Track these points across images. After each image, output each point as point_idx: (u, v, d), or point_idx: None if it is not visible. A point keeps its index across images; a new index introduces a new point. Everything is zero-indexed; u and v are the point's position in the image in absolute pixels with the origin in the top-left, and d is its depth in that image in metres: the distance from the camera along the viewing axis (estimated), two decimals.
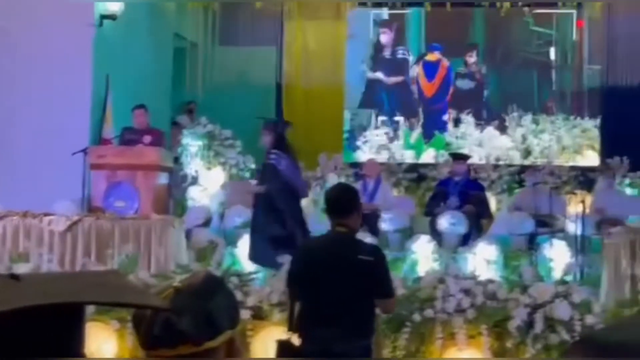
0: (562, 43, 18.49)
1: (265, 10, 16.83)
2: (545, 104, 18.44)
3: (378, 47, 18.78)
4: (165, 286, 2.30)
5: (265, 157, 11.44)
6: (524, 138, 17.98)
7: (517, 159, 17.57)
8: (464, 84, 18.60)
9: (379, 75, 18.74)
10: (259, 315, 8.89)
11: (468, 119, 18.23)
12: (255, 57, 18.08)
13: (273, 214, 11.07)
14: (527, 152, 17.77)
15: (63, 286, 1.64)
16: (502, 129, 18.18)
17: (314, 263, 5.75)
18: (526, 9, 17.91)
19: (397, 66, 18.80)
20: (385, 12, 18.75)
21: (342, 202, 5.81)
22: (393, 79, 18.73)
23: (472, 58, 18.57)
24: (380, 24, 18.82)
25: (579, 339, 1.33)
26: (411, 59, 18.79)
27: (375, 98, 18.77)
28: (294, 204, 11.27)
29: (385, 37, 18.74)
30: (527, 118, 18.13)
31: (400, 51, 18.74)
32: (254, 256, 11.18)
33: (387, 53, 18.77)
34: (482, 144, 17.93)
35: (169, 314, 2.18)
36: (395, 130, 18.45)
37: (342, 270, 5.57)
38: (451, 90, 18.56)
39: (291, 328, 5.70)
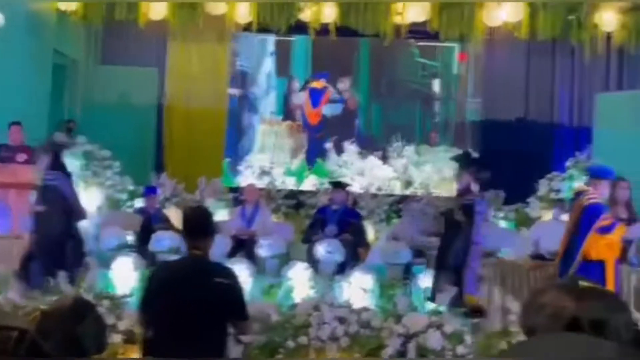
0: (446, 75, 18.75)
1: (149, 31, 16.64)
2: (428, 135, 18.66)
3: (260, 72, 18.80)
4: (34, 308, 2.23)
5: (43, 178, 11.12)
6: (406, 168, 18.15)
7: (398, 189, 17.74)
8: (334, 108, 18.74)
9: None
10: (130, 339, 8.74)
11: (351, 148, 18.33)
12: (138, 77, 17.87)
13: (51, 234, 10.85)
14: (408, 183, 17.94)
15: None
16: (385, 158, 18.34)
17: (169, 286, 5.62)
18: (412, 40, 18.10)
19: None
20: (271, 38, 18.72)
21: (199, 224, 5.73)
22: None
23: (343, 84, 18.70)
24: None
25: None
26: (297, 85, 18.87)
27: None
28: (71, 224, 11.10)
29: (270, 63, 18.79)
30: (410, 149, 18.32)
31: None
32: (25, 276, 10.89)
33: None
34: (364, 173, 18.04)
35: (35, 335, 2.12)
36: (278, 156, 18.46)
37: (198, 293, 5.49)
38: (328, 117, 18.68)
39: (145, 353, 5.62)
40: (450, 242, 11.08)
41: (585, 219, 9.28)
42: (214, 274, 5.57)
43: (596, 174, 9.75)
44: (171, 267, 6.00)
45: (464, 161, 11.34)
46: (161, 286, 5.70)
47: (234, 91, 18.68)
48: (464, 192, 11.15)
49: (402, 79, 18.91)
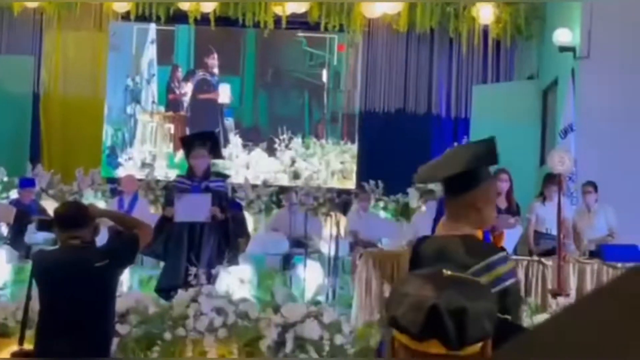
0: (334, 66, 18.68)
1: (24, 18, 16.28)
2: (316, 126, 18.57)
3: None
4: None
5: None
6: (293, 161, 18.07)
7: (285, 182, 17.58)
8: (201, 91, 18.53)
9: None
10: (4, 332, 8.55)
11: (235, 140, 18.16)
12: (12, 66, 17.40)
13: None
14: (295, 175, 17.80)
15: None
16: (271, 151, 18.18)
17: (47, 274, 5.80)
18: (297, 31, 18.04)
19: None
20: (151, 27, 18.41)
21: (73, 217, 5.82)
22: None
23: (211, 65, 18.51)
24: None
25: None
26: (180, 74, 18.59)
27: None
28: None
29: (151, 52, 18.47)
30: (297, 141, 18.19)
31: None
32: None
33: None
34: (249, 166, 17.88)
35: None
36: (160, 148, 18.20)
37: (78, 279, 5.62)
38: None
39: (37, 342, 5.73)
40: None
41: None
42: (94, 259, 5.68)
43: None
44: (50, 255, 6.09)
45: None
46: (40, 273, 5.88)
47: (114, 81, 18.33)
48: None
49: (289, 69, 18.73)
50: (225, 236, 10.69)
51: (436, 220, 9.52)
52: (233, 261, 10.75)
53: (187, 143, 10.98)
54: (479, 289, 2.27)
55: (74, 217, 5.82)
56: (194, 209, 10.36)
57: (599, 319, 0.84)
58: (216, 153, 10.96)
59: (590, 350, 0.84)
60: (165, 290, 10.14)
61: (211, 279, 10.06)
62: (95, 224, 5.91)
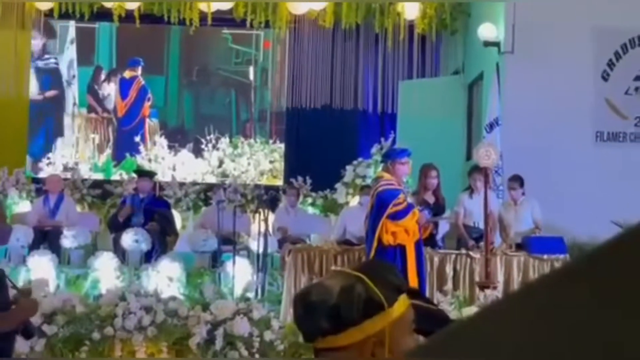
0: (260, 63, 18.55)
1: None
2: (244, 125, 18.40)
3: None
4: None
5: None
6: (221, 162, 17.83)
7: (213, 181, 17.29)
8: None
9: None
10: None
11: (161, 141, 17.87)
12: None
13: None
14: (223, 176, 17.47)
15: None
16: (198, 152, 17.89)
17: None
18: (222, 28, 17.92)
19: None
20: (72, 25, 18.09)
21: None
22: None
23: (134, 72, 18.09)
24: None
25: None
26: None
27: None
28: None
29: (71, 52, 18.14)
30: (225, 141, 17.92)
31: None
32: None
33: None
34: (175, 168, 17.61)
35: None
36: (83, 151, 17.90)
37: None
38: (144, 108, 18.12)
39: None
40: None
41: (376, 205, 9.49)
42: None
43: (389, 156, 9.98)
44: None
45: None
46: None
47: (37, 81, 18.02)
48: None
49: (214, 67, 18.54)
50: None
51: (371, 217, 9.61)
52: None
53: None
54: (351, 283, 2.24)
55: None
56: None
57: (521, 319, 0.83)
58: None
59: (510, 351, 0.83)
60: None
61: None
62: None
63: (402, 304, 2.21)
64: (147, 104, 18.03)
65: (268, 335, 8.45)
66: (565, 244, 10.96)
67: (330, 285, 2.19)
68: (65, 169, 17.35)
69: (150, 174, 14.21)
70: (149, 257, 12.25)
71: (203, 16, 16.51)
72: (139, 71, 18.03)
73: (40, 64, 18.11)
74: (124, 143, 17.83)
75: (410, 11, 16.46)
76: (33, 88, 17.95)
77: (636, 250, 0.72)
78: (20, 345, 6.45)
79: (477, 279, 10.33)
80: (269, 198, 14.83)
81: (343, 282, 2.19)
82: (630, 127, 13.40)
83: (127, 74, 18.12)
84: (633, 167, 13.00)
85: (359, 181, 14.99)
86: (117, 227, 13.10)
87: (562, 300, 0.77)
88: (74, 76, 18.16)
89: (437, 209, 11.01)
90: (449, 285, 10.13)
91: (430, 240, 10.85)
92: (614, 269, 0.74)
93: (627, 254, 0.73)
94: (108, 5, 16.39)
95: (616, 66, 13.40)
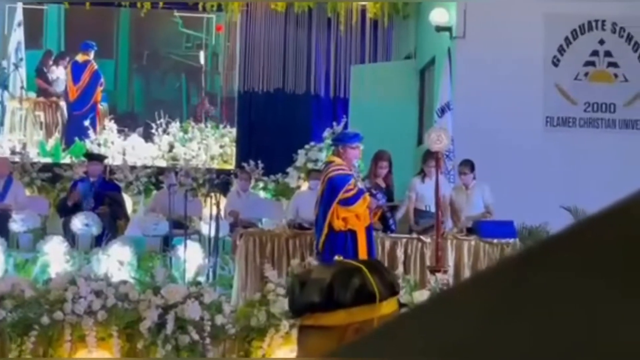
0: (211, 47, 18.42)
1: None
2: (194, 110, 18.25)
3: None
4: None
5: None
6: (171, 146, 17.59)
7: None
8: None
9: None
10: None
11: (110, 125, 17.61)
12: None
13: None
14: (174, 161, 17.26)
15: None
16: (148, 136, 17.67)
17: None
18: (174, 11, 17.75)
19: None
20: (19, 6, 17.70)
21: None
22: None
23: (87, 56, 17.62)
24: None
25: None
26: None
27: None
28: None
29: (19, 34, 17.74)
30: (175, 125, 17.72)
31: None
32: None
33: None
34: (125, 152, 17.39)
35: None
36: (31, 135, 17.64)
37: None
38: (96, 93, 17.76)
39: None
40: None
41: (327, 191, 9.51)
42: None
43: (340, 140, 10.02)
44: None
45: None
46: None
47: None
48: None
49: (165, 51, 18.40)
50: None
51: (321, 203, 9.63)
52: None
53: None
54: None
55: None
56: None
57: (469, 312, 0.80)
58: None
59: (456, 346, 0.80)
60: None
61: None
62: None
63: (392, 304, 2.31)
64: (100, 88, 17.67)
65: (219, 319, 8.42)
66: (515, 228, 11.05)
67: (329, 267, 2.34)
68: (13, 152, 17.05)
69: (100, 158, 14.10)
70: (99, 241, 12.17)
71: None
72: (92, 55, 17.65)
73: None
74: (74, 127, 17.54)
75: None
76: None
77: (593, 239, 0.71)
78: None
79: (428, 263, 10.38)
80: (220, 182, 14.80)
81: (342, 268, 2.33)
82: (579, 113, 13.52)
83: (80, 57, 17.67)
84: (582, 153, 13.12)
85: (310, 165, 15.00)
86: (66, 210, 13.00)
87: (517, 290, 0.75)
88: (21, 59, 17.84)
89: (387, 195, 11.05)
90: (400, 270, 10.15)
91: (384, 224, 10.89)
92: (571, 257, 0.73)
93: (584, 242, 0.73)
94: None
95: (566, 52, 13.50)
